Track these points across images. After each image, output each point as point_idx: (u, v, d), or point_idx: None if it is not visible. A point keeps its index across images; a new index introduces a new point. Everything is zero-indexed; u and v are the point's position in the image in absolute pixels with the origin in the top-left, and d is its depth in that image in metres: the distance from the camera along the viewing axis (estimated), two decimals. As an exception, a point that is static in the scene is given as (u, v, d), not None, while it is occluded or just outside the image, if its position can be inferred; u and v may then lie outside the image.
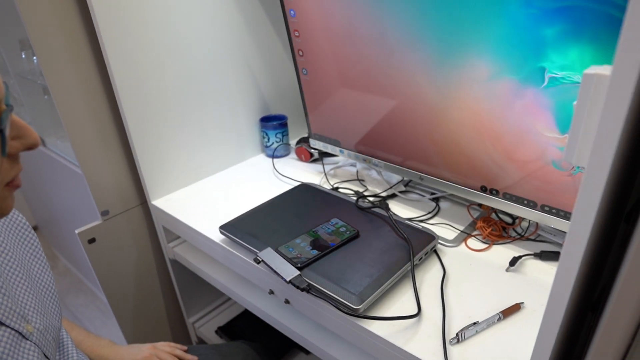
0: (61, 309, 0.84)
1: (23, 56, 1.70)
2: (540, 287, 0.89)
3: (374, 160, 1.20)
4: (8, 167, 0.54)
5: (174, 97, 1.23)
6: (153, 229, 1.41)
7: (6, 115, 0.51)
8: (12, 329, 0.67)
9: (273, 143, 1.47)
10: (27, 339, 0.69)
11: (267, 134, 1.46)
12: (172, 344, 1.12)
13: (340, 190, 1.26)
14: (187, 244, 1.37)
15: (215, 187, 1.34)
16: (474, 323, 0.80)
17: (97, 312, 2.16)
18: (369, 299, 0.83)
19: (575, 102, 0.41)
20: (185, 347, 1.12)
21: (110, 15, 1.05)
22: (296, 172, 1.38)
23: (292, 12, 1.12)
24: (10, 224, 0.78)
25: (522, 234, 1.05)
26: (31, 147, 0.56)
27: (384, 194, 1.23)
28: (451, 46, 0.89)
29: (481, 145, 0.96)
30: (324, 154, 1.43)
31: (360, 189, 1.27)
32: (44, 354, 0.72)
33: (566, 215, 0.90)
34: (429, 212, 1.15)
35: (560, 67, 0.78)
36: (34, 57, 1.61)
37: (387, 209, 1.08)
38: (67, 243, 2.18)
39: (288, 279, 0.87)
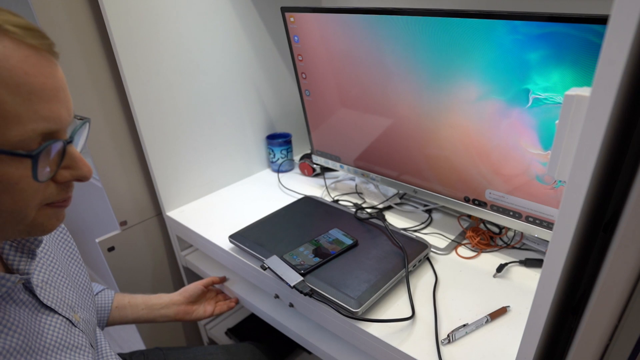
0: (95, 306, 0.87)
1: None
2: (525, 291, 0.89)
3: (372, 174, 1.20)
4: (54, 192, 0.57)
5: (187, 117, 1.23)
6: (167, 238, 1.41)
7: (55, 145, 0.54)
8: (64, 317, 0.70)
9: (278, 159, 1.47)
10: (76, 327, 0.71)
11: (272, 151, 1.46)
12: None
13: (340, 202, 1.26)
14: (199, 252, 1.37)
15: (225, 199, 1.34)
16: (464, 325, 0.80)
17: (115, 315, 2.15)
18: (366, 303, 0.82)
19: (557, 121, 0.41)
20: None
21: (128, 40, 1.06)
22: (300, 186, 1.38)
23: (296, 38, 1.13)
24: None
25: (508, 242, 1.05)
26: (81, 179, 0.59)
27: (380, 206, 1.23)
28: (442, 70, 0.89)
29: (470, 161, 0.96)
30: (325, 169, 1.43)
31: (359, 202, 1.27)
32: (89, 343, 0.74)
33: (549, 226, 0.90)
34: (422, 223, 1.15)
35: (544, 89, 0.78)
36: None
37: (384, 219, 1.08)
38: (89, 251, 2.17)
39: (292, 284, 0.87)
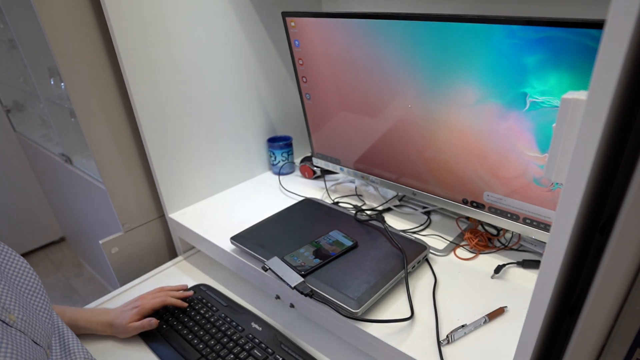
0: (49, 304, 0.82)
1: (52, 82, 1.70)
2: (522, 292, 0.89)
3: (371, 177, 1.20)
4: None
5: (190, 120, 1.23)
6: (170, 239, 1.40)
7: None
8: None
9: (279, 161, 1.47)
10: (11, 327, 0.68)
11: (273, 153, 1.46)
12: (166, 288, 1.11)
13: (340, 204, 1.26)
14: (201, 253, 1.37)
15: (227, 201, 1.34)
16: (463, 325, 0.80)
17: (118, 315, 2.15)
18: (366, 304, 0.82)
19: (554, 124, 0.41)
20: (184, 286, 1.12)
21: (131, 45, 1.06)
22: (300, 188, 1.38)
23: (296, 42, 1.13)
24: None
25: (506, 244, 1.04)
26: None
27: (380, 208, 1.23)
28: (441, 73, 0.89)
29: (468, 164, 0.96)
30: (325, 172, 1.43)
31: (359, 204, 1.27)
32: (33, 341, 0.71)
33: (546, 228, 0.90)
34: (421, 224, 1.15)
35: (541, 93, 0.78)
36: (62, 84, 1.62)
37: (383, 221, 1.08)
38: (92, 252, 2.17)
39: (293, 285, 0.87)
